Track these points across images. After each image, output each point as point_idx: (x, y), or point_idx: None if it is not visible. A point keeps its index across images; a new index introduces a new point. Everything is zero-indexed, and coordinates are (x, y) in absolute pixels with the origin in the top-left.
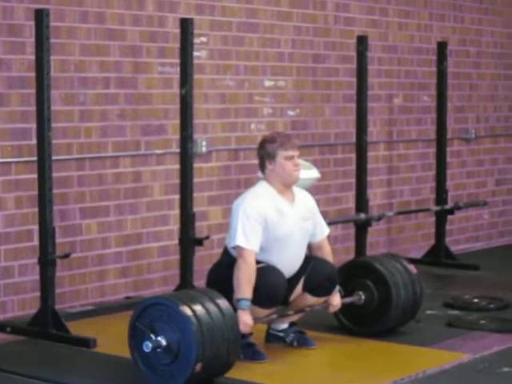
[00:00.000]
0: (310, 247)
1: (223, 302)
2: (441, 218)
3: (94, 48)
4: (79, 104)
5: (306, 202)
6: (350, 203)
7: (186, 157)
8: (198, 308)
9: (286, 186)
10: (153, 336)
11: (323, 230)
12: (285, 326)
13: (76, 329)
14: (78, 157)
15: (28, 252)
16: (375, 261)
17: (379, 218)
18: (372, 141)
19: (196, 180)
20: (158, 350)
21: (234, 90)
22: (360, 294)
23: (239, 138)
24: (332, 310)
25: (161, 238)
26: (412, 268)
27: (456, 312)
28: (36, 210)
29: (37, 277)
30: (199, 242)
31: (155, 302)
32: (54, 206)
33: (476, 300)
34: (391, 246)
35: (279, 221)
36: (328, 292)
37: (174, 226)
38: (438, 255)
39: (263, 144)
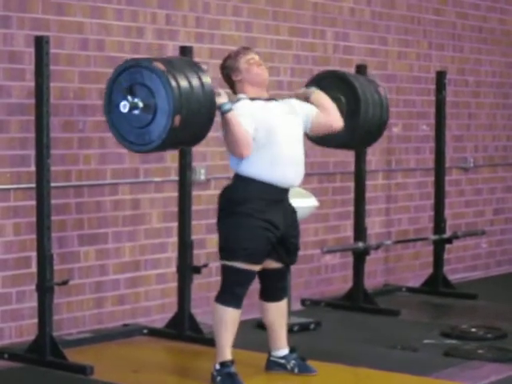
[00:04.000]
0: (315, 129)
1: (205, 77)
2: (439, 247)
3: (94, 75)
4: (78, 131)
5: (286, 101)
6: (349, 232)
7: (185, 185)
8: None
9: (258, 87)
10: (130, 97)
11: (312, 109)
12: (285, 352)
13: (73, 356)
14: (76, 184)
15: (26, 279)
16: (350, 75)
17: (377, 247)
18: (371, 169)
19: (194, 208)
20: (135, 111)
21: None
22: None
23: None
24: (301, 96)
25: (159, 266)
26: (382, 90)
27: (453, 341)
28: (34, 236)
29: (35, 303)
30: (197, 269)
31: (130, 65)
32: (53, 232)
33: (474, 329)
34: (389, 274)
35: (265, 113)
36: (280, 299)
37: (172, 254)
38: (436, 284)
39: (223, 64)
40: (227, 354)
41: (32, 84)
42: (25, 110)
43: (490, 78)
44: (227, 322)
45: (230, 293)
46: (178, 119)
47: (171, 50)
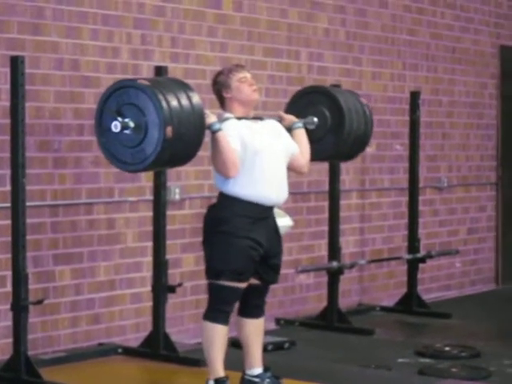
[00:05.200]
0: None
1: (194, 94)
2: (413, 267)
3: (69, 95)
4: (53, 151)
5: (271, 123)
6: (323, 251)
7: (160, 204)
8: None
9: (247, 107)
10: (120, 118)
11: (295, 147)
12: (260, 371)
13: (49, 375)
14: (51, 203)
15: (1, 298)
16: (332, 89)
17: (351, 266)
18: (345, 189)
19: (169, 227)
20: (127, 131)
21: (207, 138)
22: (313, 117)
23: (212, 186)
24: (285, 123)
25: (134, 285)
26: (364, 100)
27: (427, 360)
28: (9, 255)
29: (9, 323)
30: (172, 289)
31: (116, 88)
32: (28, 252)
33: (447, 348)
34: (363, 293)
35: (252, 136)
36: (257, 316)
37: (147, 273)
38: (410, 303)
39: (215, 79)
40: (220, 370)
41: (7, 104)
42: (0, 129)
43: (464, 98)
44: (217, 338)
45: (218, 310)
46: (169, 130)
47: (146, 69)
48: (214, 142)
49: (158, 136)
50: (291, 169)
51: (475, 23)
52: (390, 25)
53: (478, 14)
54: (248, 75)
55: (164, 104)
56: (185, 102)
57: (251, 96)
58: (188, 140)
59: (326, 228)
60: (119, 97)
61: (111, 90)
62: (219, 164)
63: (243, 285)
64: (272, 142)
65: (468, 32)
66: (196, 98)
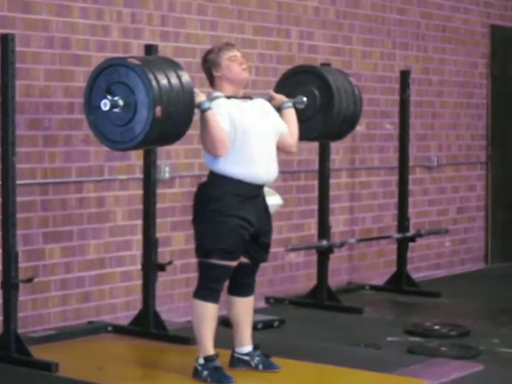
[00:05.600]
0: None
1: (183, 73)
2: (402, 246)
3: (59, 73)
4: (43, 129)
5: (260, 102)
6: (313, 230)
7: (149, 182)
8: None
9: (236, 86)
10: (109, 96)
11: (284, 126)
12: (249, 349)
13: (38, 353)
14: (41, 181)
15: None
16: (321, 68)
17: (341, 245)
18: (334, 168)
19: (159, 206)
20: (116, 109)
21: (197, 117)
22: (302, 97)
23: (202, 165)
24: (274, 103)
25: (123, 263)
26: (353, 80)
27: (417, 339)
28: None
29: None
30: (162, 267)
31: (106, 66)
32: (18, 230)
33: (437, 327)
34: (353, 272)
35: (241, 115)
36: (247, 294)
37: (137, 252)
38: (400, 282)
39: (205, 58)
40: (210, 348)
41: None
42: None
43: (454, 77)
44: (207, 316)
45: (208, 288)
46: (159, 110)
47: (136, 48)
48: (204, 121)
49: (147, 115)
50: (280, 148)
51: (465, 2)
52: (380, 4)
53: None
54: (238, 54)
55: (154, 83)
56: (174, 81)
57: (241, 75)
58: (177, 119)
59: (315, 207)
60: (109, 75)
61: (101, 67)
62: (208, 143)
63: (233, 263)
64: (261, 121)
65: (458, 11)
66: (186, 77)
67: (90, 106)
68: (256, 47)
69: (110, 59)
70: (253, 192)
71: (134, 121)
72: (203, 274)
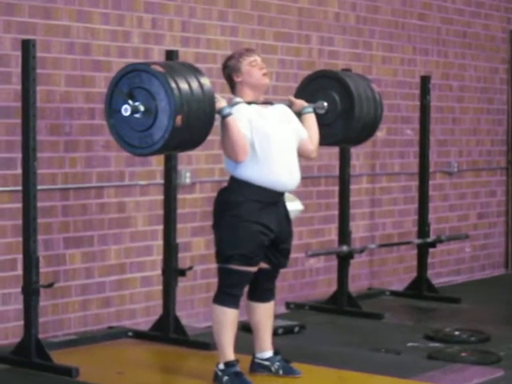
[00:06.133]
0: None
1: (204, 80)
2: (423, 251)
3: (80, 79)
4: (64, 134)
5: (281, 108)
6: (333, 235)
7: (170, 188)
8: (173, 72)
9: (257, 91)
10: (130, 101)
11: (304, 132)
12: (270, 354)
13: (59, 358)
14: (62, 187)
15: (12, 281)
16: (342, 74)
17: (361, 251)
18: (355, 174)
19: (180, 211)
20: (137, 115)
21: (218, 123)
22: (323, 102)
23: (223, 170)
24: (294, 108)
25: (144, 269)
26: (375, 87)
27: (437, 344)
28: (20, 239)
29: (20, 306)
30: (182, 272)
31: (129, 70)
32: (39, 235)
33: (457, 333)
34: (373, 278)
35: (261, 121)
36: (267, 300)
37: (158, 257)
38: (420, 288)
39: (226, 63)
40: (230, 353)
41: (19, 87)
42: (11, 113)
43: (475, 83)
44: (226, 322)
45: (228, 293)
46: (179, 119)
47: (157, 53)
48: (224, 127)
49: (167, 124)
50: (300, 154)
51: (486, 8)
52: (400, 9)
53: None
54: (258, 59)
55: (176, 92)
56: (196, 87)
57: (261, 80)
58: (197, 127)
59: (336, 212)
60: (131, 79)
61: (124, 71)
62: (228, 148)
63: (253, 269)
64: (282, 126)
65: (479, 17)
66: (207, 84)
67: (111, 110)
68: (276, 53)
69: (134, 64)
70: (274, 198)
71: (153, 127)
72: (223, 280)
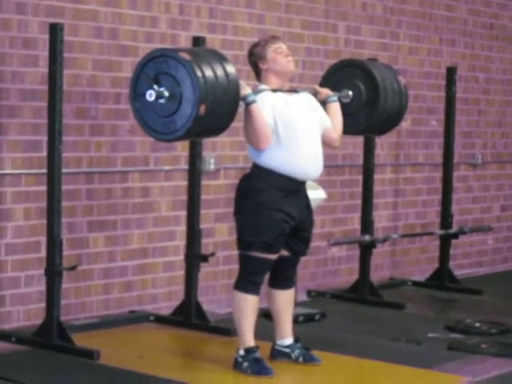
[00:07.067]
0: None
1: (230, 67)
2: (445, 242)
3: (107, 63)
4: (90, 118)
5: (306, 96)
6: (356, 225)
7: (194, 174)
8: (200, 59)
9: (282, 79)
10: (156, 86)
11: (328, 121)
12: (290, 341)
13: (80, 340)
14: (87, 170)
15: (35, 263)
16: (369, 63)
17: (384, 240)
18: (379, 163)
19: (203, 197)
20: (161, 100)
21: (242, 109)
22: (348, 91)
23: (247, 157)
24: (319, 97)
25: (167, 254)
26: (402, 79)
27: (457, 335)
28: (44, 221)
29: (43, 288)
30: (205, 258)
31: (156, 55)
32: (63, 218)
33: (478, 324)
34: (395, 268)
35: (286, 109)
36: (288, 287)
37: (180, 242)
38: (442, 279)
39: (251, 51)
40: (250, 339)
41: (45, 70)
42: (38, 96)
43: (501, 75)
44: (247, 308)
45: (249, 280)
46: (203, 108)
47: (184, 40)
48: (248, 114)
49: (191, 112)
50: (323, 142)
51: None
52: (427, 0)
53: None
54: (284, 46)
55: (201, 81)
56: (221, 76)
57: (287, 67)
58: (220, 116)
59: (359, 202)
60: (158, 64)
61: (151, 56)
62: (251, 136)
63: (274, 256)
64: (307, 114)
65: (506, 9)
66: (233, 72)
67: (136, 93)
68: (303, 41)
69: (162, 49)
70: (296, 187)
71: (177, 114)
72: (244, 266)
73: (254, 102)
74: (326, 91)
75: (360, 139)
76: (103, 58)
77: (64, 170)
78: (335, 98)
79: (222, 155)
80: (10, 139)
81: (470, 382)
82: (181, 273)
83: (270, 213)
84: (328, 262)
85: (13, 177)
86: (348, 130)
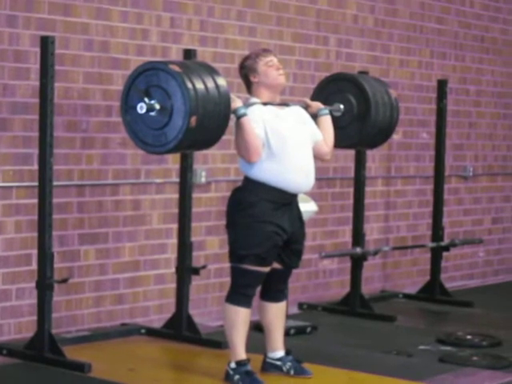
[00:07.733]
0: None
1: (220, 80)
2: (436, 255)
3: (98, 76)
4: (81, 131)
5: (297, 109)
6: (347, 237)
7: (186, 186)
8: (190, 72)
9: (273, 92)
10: (146, 99)
11: (319, 134)
12: (281, 354)
13: (72, 353)
14: (78, 183)
15: (26, 276)
16: (360, 77)
17: (375, 253)
18: (370, 176)
19: (194, 210)
20: (152, 113)
21: (233, 123)
22: (339, 105)
23: (238, 170)
24: (310, 110)
25: (158, 266)
26: (393, 92)
27: (448, 348)
28: (35, 234)
29: (34, 301)
30: (196, 271)
31: (146, 68)
32: (54, 231)
33: (469, 337)
34: (386, 280)
35: (277, 122)
36: (279, 300)
37: (172, 255)
38: (433, 291)
39: (242, 64)
40: (242, 352)
41: (37, 83)
42: (29, 108)
43: (491, 87)
44: (239, 321)
45: (241, 293)
46: (194, 120)
47: (175, 52)
48: (238, 127)
49: (182, 124)
50: (314, 156)
51: (504, 13)
52: (418, 13)
53: (506, 4)
54: (275, 59)
55: (192, 93)
56: (212, 89)
57: (278, 80)
58: (211, 128)
59: (350, 214)
60: (149, 77)
61: (142, 69)
62: (242, 148)
63: (266, 269)
64: (298, 128)
65: (496, 22)
66: (223, 86)
67: (127, 106)
68: (294, 54)
69: (152, 62)
70: (287, 199)
71: (168, 126)
72: (236, 279)
73: (244, 115)
74: (317, 105)
75: (351, 152)
76: (94, 70)
77: (55, 183)
78: (326, 111)
79: (214, 168)
80: (0, 152)
81: None
82: (172, 285)
83: (262, 226)
84: (319, 275)
85: (4, 189)
86: (340, 143)
